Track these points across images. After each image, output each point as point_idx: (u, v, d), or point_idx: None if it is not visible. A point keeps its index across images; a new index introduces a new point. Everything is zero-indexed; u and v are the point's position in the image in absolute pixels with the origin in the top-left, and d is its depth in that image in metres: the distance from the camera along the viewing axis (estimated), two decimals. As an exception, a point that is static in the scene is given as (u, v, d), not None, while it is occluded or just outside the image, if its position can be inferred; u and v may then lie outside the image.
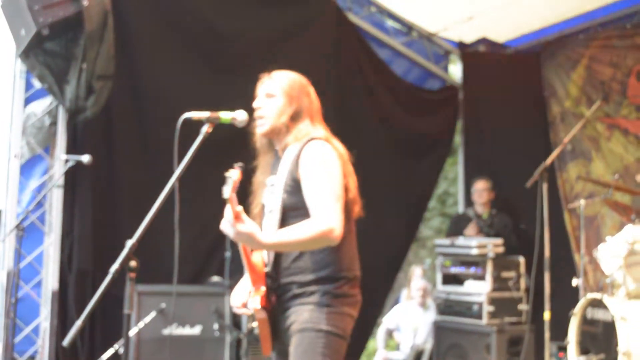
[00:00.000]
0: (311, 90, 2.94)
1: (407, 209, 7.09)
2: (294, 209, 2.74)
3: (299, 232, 2.62)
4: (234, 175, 2.47)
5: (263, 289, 2.78)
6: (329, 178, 2.69)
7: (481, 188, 6.69)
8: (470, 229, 6.51)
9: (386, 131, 6.86)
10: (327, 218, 2.61)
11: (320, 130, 2.87)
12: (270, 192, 2.86)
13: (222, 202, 2.56)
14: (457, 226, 6.73)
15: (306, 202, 2.70)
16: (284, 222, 2.75)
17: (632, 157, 6.19)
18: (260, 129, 2.85)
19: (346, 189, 2.75)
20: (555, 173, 6.67)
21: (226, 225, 2.52)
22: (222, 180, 2.46)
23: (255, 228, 2.54)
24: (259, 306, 2.75)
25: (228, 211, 2.50)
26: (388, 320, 7.79)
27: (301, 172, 2.73)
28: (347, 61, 6.51)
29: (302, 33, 6.18)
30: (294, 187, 2.74)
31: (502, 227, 6.52)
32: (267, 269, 2.83)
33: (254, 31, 5.89)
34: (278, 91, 2.86)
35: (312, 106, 2.90)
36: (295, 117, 2.84)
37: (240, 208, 2.51)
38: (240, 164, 2.51)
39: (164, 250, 5.12)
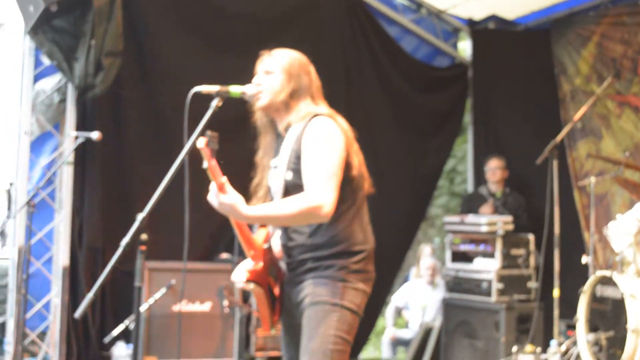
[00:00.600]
0: (312, 69, 2.91)
1: (416, 188, 7.08)
2: (297, 188, 2.69)
3: (285, 206, 2.58)
4: (200, 144, 2.44)
5: (260, 264, 2.77)
6: (327, 154, 2.65)
7: (495, 166, 6.66)
8: (486, 207, 6.49)
9: (395, 109, 6.83)
10: (317, 194, 2.58)
11: (323, 107, 2.85)
12: (275, 174, 2.85)
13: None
14: (470, 205, 6.71)
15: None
16: None
17: (642, 135, 6.14)
18: (259, 102, 2.82)
19: (350, 166, 2.73)
20: (565, 151, 6.63)
21: (211, 196, 2.51)
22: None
23: (238, 199, 2.50)
24: (243, 279, 2.73)
25: (212, 182, 2.49)
26: (397, 299, 7.83)
27: (302, 148, 2.71)
28: (356, 38, 6.48)
29: (311, 11, 6.15)
30: (298, 165, 2.72)
31: (516, 206, 6.49)
32: (266, 245, 2.83)
33: (262, 9, 5.87)
34: (277, 68, 2.83)
35: (312, 85, 2.87)
36: (294, 95, 2.81)
37: (224, 179, 2.49)
38: (212, 133, 2.46)
39: (173, 227, 5.12)
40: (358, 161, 2.78)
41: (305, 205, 2.57)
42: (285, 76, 2.82)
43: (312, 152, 2.67)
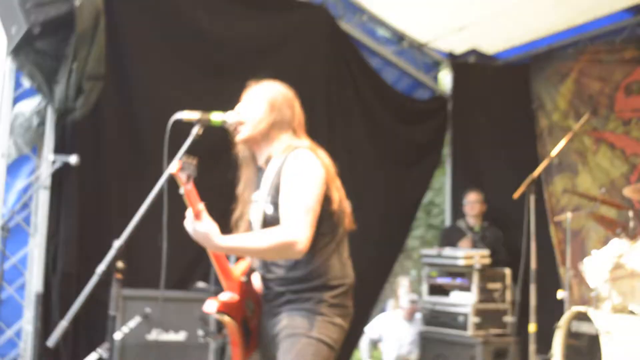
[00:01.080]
0: (296, 103, 2.90)
1: (394, 219, 7.09)
2: (277, 222, 2.66)
3: (259, 239, 2.56)
4: (172, 169, 2.42)
5: (235, 296, 2.75)
6: (305, 188, 2.63)
7: (473, 200, 6.70)
8: (465, 242, 6.51)
9: (375, 139, 6.87)
10: (292, 229, 2.55)
11: (305, 141, 2.83)
12: (255, 208, 2.83)
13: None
14: (448, 238, 6.73)
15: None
16: None
17: (618, 172, 6.22)
18: (239, 136, 2.81)
19: (330, 201, 2.70)
20: (542, 186, 6.69)
21: (187, 223, 2.49)
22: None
23: (213, 228, 2.48)
24: (213, 310, 2.70)
25: (189, 210, 2.47)
26: (371, 330, 7.78)
27: (281, 181, 2.69)
28: (338, 68, 6.52)
29: (294, 40, 6.18)
30: (278, 199, 2.69)
31: (494, 240, 6.53)
32: (244, 279, 2.80)
33: (246, 37, 5.89)
34: (260, 99, 2.83)
35: (294, 118, 2.86)
36: (275, 127, 2.80)
37: (201, 206, 2.47)
38: (189, 158, 2.45)
39: (149, 255, 5.08)
40: (339, 196, 2.76)
41: (279, 239, 2.54)
42: (267, 107, 2.81)
43: (290, 185, 2.65)
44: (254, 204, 2.85)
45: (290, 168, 2.69)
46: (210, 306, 2.72)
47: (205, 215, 2.48)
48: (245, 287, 2.80)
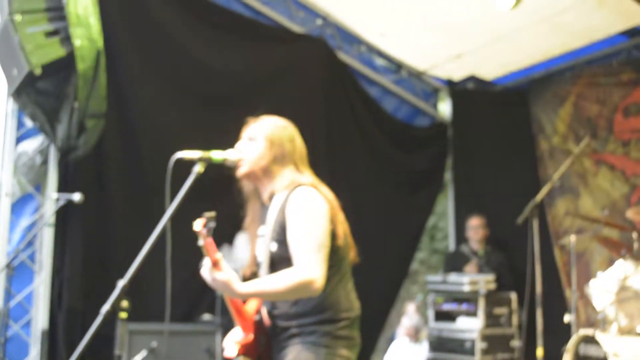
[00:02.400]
0: (297, 137, 2.91)
1: (399, 246, 7.10)
2: (282, 260, 2.68)
3: (277, 281, 2.56)
4: (197, 226, 2.47)
5: (251, 336, 2.77)
6: (313, 226, 2.64)
7: (477, 225, 6.70)
8: (471, 267, 6.51)
9: (377, 167, 6.91)
10: (308, 268, 2.56)
11: (307, 176, 2.84)
12: (261, 243, 2.85)
13: (213, 240, 2.57)
14: (453, 263, 6.73)
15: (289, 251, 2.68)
16: (273, 271, 2.70)
17: (618, 193, 6.23)
18: (239, 171, 2.83)
19: (335, 236, 2.71)
20: (545, 209, 6.70)
21: (205, 273, 2.52)
22: (216, 219, 2.48)
23: (232, 276, 2.50)
24: (234, 354, 2.73)
25: (207, 258, 2.50)
26: (387, 358, 7.73)
27: (287, 220, 2.70)
28: (337, 99, 6.57)
29: (293, 71, 6.24)
30: (282, 236, 2.70)
31: (498, 264, 6.53)
32: (257, 317, 2.82)
33: (245, 70, 5.95)
34: (260, 135, 2.84)
35: (295, 152, 2.86)
36: (276, 162, 2.80)
37: (219, 255, 2.50)
38: (209, 213, 2.48)
39: (155, 288, 5.09)
40: (343, 230, 2.77)
41: (297, 280, 2.55)
42: (267, 143, 2.82)
43: (297, 224, 2.66)
44: (259, 238, 2.87)
45: (294, 207, 2.69)
46: (231, 351, 2.74)
47: (224, 263, 2.51)
48: (258, 325, 2.82)
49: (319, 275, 2.58)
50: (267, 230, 2.77)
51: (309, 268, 2.57)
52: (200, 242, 2.45)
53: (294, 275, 2.56)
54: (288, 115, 3.00)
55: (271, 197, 2.82)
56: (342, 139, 6.55)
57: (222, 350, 4.81)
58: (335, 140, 6.46)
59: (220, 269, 2.49)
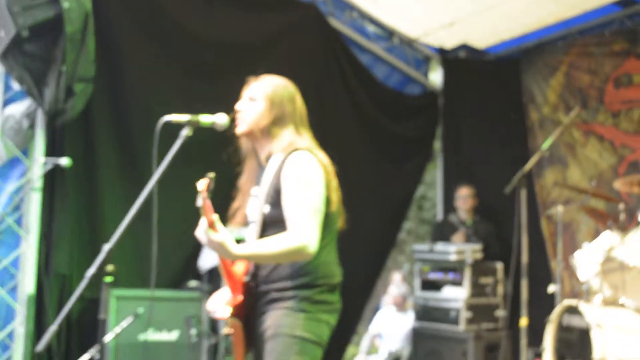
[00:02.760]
0: (297, 97, 2.91)
1: (387, 214, 7.11)
2: (274, 222, 2.71)
3: (272, 245, 2.59)
4: (200, 185, 2.46)
5: (240, 297, 2.78)
6: (309, 191, 2.66)
7: (466, 194, 6.72)
8: (459, 236, 6.53)
9: (367, 135, 6.88)
10: (302, 233, 2.59)
11: (305, 139, 2.83)
12: (254, 203, 2.85)
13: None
14: (441, 233, 6.75)
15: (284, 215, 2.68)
16: (264, 234, 2.73)
17: (606, 164, 6.25)
18: (238, 129, 2.83)
19: (329, 202, 2.73)
20: (533, 179, 6.72)
21: (200, 233, 2.52)
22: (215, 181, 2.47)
23: (227, 237, 2.51)
24: (227, 315, 2.74)
25: (203, 219, 2.49)
26: (373, 327, 7.82)
27: (282, 184, 2.70)
28: (328, 66, 6.52)
29: (283, 38, 6.18)
30: (276, 199, 2.72)
31: (486, 234, 6.55)
32: (246, 278, 2.83)
33: (235, 37, 5.89)
34: (260, 95, 2.84)
35: (296, 113, 2.86)
36: (276, 123, 2.81)
37: (215, 217, 2.50)
38: (211, 174, 2.49)
39: (142, 255, 5.12)
40: (337, 197, 2.78)
41: (291, 244, 2.58)
42: (267, 103, 2.82)
43: (293, 189, 2.67)
44: (252, 198, 2.86)
45: (290, 171, 2.70)
46: (223, 312, 2.75)
47: (219, 225, 2.50)
48: (247, 287, 2.83)
49: (314, 241, 2.60)
50: (261, 191, 2.77)
51: (304, 233, 2.60)
52: (199, 203, 2.44)
53: (289, 240, 2.59)
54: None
55: (268, 157, 2.82)
56: (332, 105, 6.51)
57: (209, 316, 4.86)
58: (326, 106, 6.42)
59: (216, 230, 2.49)
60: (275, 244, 2.59)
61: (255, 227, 2.77)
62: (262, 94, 2.84)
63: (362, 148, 6.83)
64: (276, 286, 2.74)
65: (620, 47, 6.24)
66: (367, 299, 7.15)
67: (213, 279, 5.13)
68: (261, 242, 2.65)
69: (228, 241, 2.51)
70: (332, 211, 2.76)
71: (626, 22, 6.30)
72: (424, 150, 7.59)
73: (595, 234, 5.85)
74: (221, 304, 2.81)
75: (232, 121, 2.80)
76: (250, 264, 2.86)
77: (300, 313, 2.69)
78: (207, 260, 5.19)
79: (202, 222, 2.50)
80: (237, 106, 2.86)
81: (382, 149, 7.03)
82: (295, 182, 2.68)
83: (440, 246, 6.21)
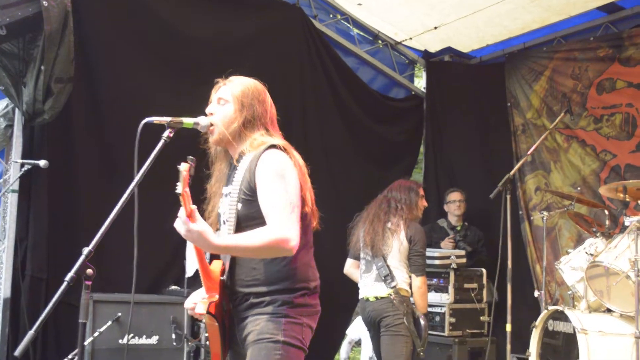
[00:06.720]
0: (267, 97, 2.83)
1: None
2: (249, 219, 2.63)
3: (253, 237, 2.51)
4: (183, 167, 2.38)
5: (216, 296, 2.70)
6: (286, 187, 2.59)
7: (458, 199, 6.65)
8: (447, 242, 6.47)
9: (353, 138, 6.84)
10: (283, 227, 2.51)
11: (277, 138, 2.78)
12: (226, 202, 2.78)
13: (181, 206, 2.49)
14: (430, 237, 6.69)
15: (262, 212, 2.61)
16: (238, 231, 2.65)
17: (588, 169, 6.24)
18: (211, 138, 2.76)
19: (303, 202, 2.66)
20: (516, 184, 6.70)
21: (178, 223, 2.43)
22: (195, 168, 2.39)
23: (206, 228, 2.42)
24: (203, 311, 2.67)
25: (182, 209, 2.41)
26: (351, 332, 7.74)
27: (257, 181, 2.63)
28: (313, 67, 6.48)
29: (267, 39, 6.13)
30: (250, 196, 2.65)
31: (476, 240, 6.51)
32: (223, 277, 2.76)
33: (218, 36, 5.83)
34: (230, 97, 2.77)
35: (266, 114, 2.79)
36: (247, 125, 2.73)
37: (194, 207, 2.42)
38: (191, 157, 2.40)
39: (122, 259, 5.00)
40: (311, 197, 2.73)
41: (272, 238, 2.49)
42: (237, 106, 2.74)
43: (269, 184, 2.60)
44: (224, 197, 2.80)
45: (266, 167, 2.63)
46: (201, 308, 2.67)
47: (198, 215, 2.42)
48: (223, 287, 2.76)
49: (294, 235, 2.52)
50: (233, 189, 2.70)
51: (284, 227, 2.51)
52: (179, 189, 2.35)
53: (270, 233, 2.50)
54: (263, 82, 2.91)
55: (240, 157, 2.75)
56: (317, 107, 6.47)
57: (189, 320, 4.78)
58: (311, 109, 6.38)
59: (195, 220, 2.41)
60: (256, 237, 2.50)
61: (229, 226, 2.71)
62: (232, 96, 2.76)
63: (346, 150, 6.79)
64: (255, 290, 2.68)
65: (604, 53, 6.24)
66: (354, 305, 7.08)
67: (193, 283, 5.05)
68: (242, 235, 2.57)
69: (207, 231, 2.41)
70: (307, 211, 2.70)
71: (611, 28, 6.30)
72: (410, 154, 7.55)
73: (578, 239, 5.84)
74: (198, 301, 2.73)
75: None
76: (225, 264, 2.79)
77: (282, 318, 2.63)
78: (192, 265, 5.11)
79: (181, 212, 2.41)
80: (207, 110, 2.78)
81: (369, 152, 6.99)
82: (272, 178, 2.60)
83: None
